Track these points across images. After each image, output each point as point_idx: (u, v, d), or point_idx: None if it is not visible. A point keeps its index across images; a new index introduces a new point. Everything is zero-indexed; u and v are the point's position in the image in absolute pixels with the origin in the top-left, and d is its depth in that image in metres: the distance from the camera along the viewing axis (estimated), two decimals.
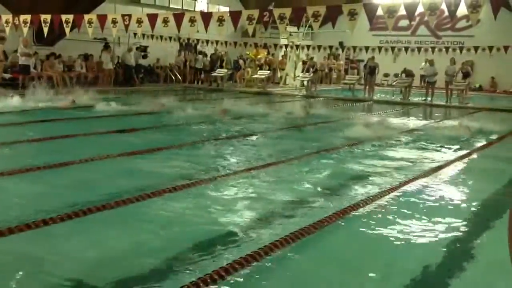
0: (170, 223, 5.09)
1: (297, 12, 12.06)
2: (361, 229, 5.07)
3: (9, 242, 4.38)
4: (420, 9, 11.38)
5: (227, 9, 25.92)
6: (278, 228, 4.92)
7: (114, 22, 13.99)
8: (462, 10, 11.31)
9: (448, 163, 8.36)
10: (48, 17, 14.92)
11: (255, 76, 25.16)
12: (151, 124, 11.63)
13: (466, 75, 21.11)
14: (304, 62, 25.98)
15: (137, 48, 23.79)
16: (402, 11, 11.33)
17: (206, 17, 12.86)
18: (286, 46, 27.50)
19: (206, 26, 12.82)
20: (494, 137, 11.66)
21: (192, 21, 12.92)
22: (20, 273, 3.85)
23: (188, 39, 25.57)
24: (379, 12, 11.26)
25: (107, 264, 4.10)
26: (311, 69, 23.83)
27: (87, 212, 5.10)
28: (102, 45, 21.82)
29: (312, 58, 25.13)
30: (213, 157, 8.40)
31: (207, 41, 24.96)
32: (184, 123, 12.06)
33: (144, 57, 24.19)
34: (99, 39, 21.28)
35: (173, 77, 24.58)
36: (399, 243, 4.76)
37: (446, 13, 11.57)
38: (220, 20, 12.58)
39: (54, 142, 9.03)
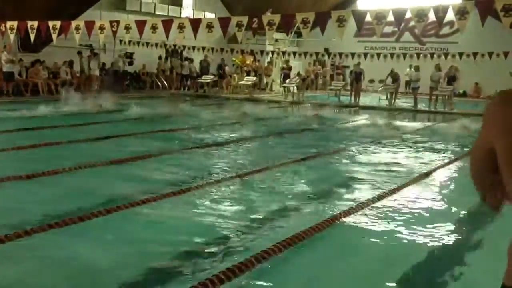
0: (153, 232, 5.01)
1: (286, 18, 12.08)
2: (346, 237, 5.08)
3: None
4: (406, 15, 11.46)
5: (213, 15, 25.89)
6: (266, 238, 4.84)
7: (101, 28, 13.89)
8: (448, 16, 11.35)
9: (433, 170, 8.40)
10: (35, 23, 14.79)
11: (242, 82, 25.16)
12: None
13: (452, 79, 21.31)
14: (282, 68, 26.07)
15: (118, 55, 23.70)
16: (389, 18, 11.45)
17: (195, 23, 12.84)
18: (273, 52, 27.56)
19: (195, 32, 12.80)
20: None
21: (181, 27, 12.89)
22: None
23: (175, 45, 25.48)
24: (368, 18, 11.33)
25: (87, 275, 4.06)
26: (296, 76, 23.98)
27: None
28: (88, 52, 21.69)
29: (287, 62, 25.31)
30: (201, 164, 8.36)
31: (194, 48, 24.88)
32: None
33: (130, 63, 24.08)
34: (84, 45, 21.17)
35: (160, 84, 24.48)
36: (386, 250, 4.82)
37: (430, 19, 11.66)
38: (209, 27, 12.56)
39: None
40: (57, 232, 4.72)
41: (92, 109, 15.00)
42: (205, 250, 4.50)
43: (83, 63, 21.74)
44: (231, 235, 4.91)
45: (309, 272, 4.28)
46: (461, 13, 9.93)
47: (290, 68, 25.42)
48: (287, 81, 24.34)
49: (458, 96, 23.50)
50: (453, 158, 9.64)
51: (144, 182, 6.79)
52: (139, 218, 5.35)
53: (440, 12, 10.47)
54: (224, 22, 12.65)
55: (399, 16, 10.98)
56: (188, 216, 5.50)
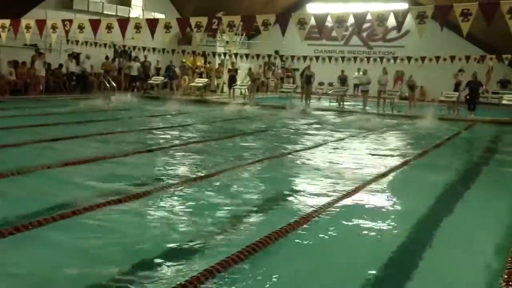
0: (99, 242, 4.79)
1: (246, 20, 12.00)
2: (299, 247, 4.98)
3: None
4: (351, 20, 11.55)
5: (163, 16, 25.50)
6: (218, 249, 4.66)
7: (54, 27, 13.37)
8: (391, 21, 11.49)
9: (385, 173, 8.48)
10: None
11: (193, 84, 24.92)
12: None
13: (412, 87, 21.96)
14: (229, 70, 26.04)
15: (69, 55, 22.97)
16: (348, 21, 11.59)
17: (153, 24, 12.56)
18: (225, 54, 27.47)
19: (153, 33, 12.52)
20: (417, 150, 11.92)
21: (137, 27, 12.59)
22: None
23: (124, 45, 24.92)
24: (329, 21, 11.42)
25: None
26: (248, 77, 24.02)
27: None
28: (33, 52, 20.89)
29: (233, 64, 25.33)
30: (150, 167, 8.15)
31: (144, 48, 24.41)
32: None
33: (77, 64, 23.35)
34: (30, 45, 20.38)
35: (108, 85, 23.84)
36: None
37: (375, 24, 11.74)
38: (167, 27, 12.33)
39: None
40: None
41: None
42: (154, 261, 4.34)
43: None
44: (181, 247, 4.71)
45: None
46: (421, 17, 10.14)
47: (236, 70, 25.40)
48: (238, 83, 24.29)
49: (404, 99, 24.08)
50: (405, 160, 9.86)
51: (87, 188, 6.49)
52: (81, 226, 5.10)
53: (400, 16, 10.67)
54: (182, 23, 12.45)
55: (360, 19, 11.11)
56: (135, 222, 5.31)
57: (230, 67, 25.90)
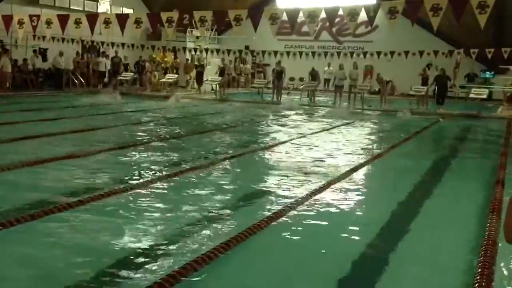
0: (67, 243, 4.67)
1: (218, 15, 11.93)
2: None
3: None
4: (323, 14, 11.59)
5: (131, 11, 25.16)
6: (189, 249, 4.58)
7: (20, 23, 13.05)
8: (362, 16, 11.54)
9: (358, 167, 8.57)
10: None
11: (163, 80, 24.69)
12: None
13: (385, 83, 22.09)
14: (196, 66, 25.92)
15: (34, 51, 22.51)
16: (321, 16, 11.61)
17: (123, 19, 12.38)
18: (195, 50, 27.29)
19: (123, 28, 12.34)
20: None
21: (107, 22, 12.38)
22: None
23: (92, 41, 24.51)
24: (300, 17, 11.43)
25: None
26: (218, 73, 23.91)
27: None
28: None
29: (199, 59, 25.23)
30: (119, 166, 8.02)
31: (113, 44, 24.05)
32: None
33: (44, 60, 22.91)
34: None
35: (76, 81, 23.43)
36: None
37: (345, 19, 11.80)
38: (138, 22, 12.16)
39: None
40: None
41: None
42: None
43: None
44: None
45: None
46: (392, 12, 10.23)
47: (203, 66, 25.23)
48: (209, 78, 24.16)
49: (373, 94, 24.29)
50: (379, 152, 10.04)
51: (53, 189, 6.32)
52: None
53: (371, 11, 10.75)
54: (153, 18, 12.30)
55: (332, 14, 11.15)
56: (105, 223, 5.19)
57: (197, 62, 25.77)
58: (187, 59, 27.48)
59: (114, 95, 20.21)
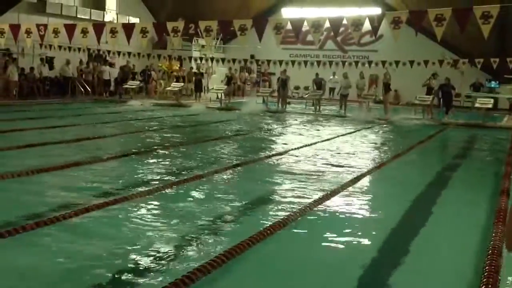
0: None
1: (223, 24, 12.01)
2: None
3: None
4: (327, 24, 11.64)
5: (137, 20, 25.39)
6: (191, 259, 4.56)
7: (28, 32, 13.18)
8: (366, 25, 11.60)
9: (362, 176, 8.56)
10: None
11: (168, 88, 24.79)
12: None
13: (386, 87, 21.97)
14: (195, 74, 25.98)
15: (41, 59, 22.67)
16: (326, 26, 11.67)
17: (129, 28, 12.48)
18: (201, 58, 27.41)
19: (129, 37, 12.43)
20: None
21: (113, 32, 12.48)
22: None
23: (98, 50, 24.67)
24: (305, 26, 11.49)
25: None
26: (226, 81, 24.02)
27: None
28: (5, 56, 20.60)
29: (199, 68, 25.34)
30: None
31: (119, 53, 24.18)
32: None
33: (50, 68, 23.07)
34: (1, 50, 20.08)
35: (82, 89, 23.58)
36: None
37: (350, 29, 11.87)
38: (144, 32, 12.25)
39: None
40: None
41: None
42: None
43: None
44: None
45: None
46: (396, 22, 10.28)
47: (202, 74, 25.29)
48: (215, 86, 24.24)
49: (378, 103, 24.30)
50: (385, 160, 10.04)
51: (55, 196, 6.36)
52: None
53: (376, 22, 10.80)
54: (159, 28, 12.39)
55: (336, 24, 11.20)
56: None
57: (196, 70, 25.84)
58: (191, 68, 27.60)
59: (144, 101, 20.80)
